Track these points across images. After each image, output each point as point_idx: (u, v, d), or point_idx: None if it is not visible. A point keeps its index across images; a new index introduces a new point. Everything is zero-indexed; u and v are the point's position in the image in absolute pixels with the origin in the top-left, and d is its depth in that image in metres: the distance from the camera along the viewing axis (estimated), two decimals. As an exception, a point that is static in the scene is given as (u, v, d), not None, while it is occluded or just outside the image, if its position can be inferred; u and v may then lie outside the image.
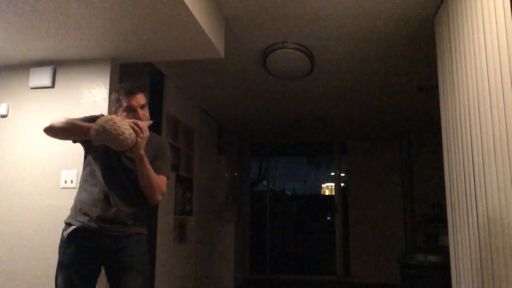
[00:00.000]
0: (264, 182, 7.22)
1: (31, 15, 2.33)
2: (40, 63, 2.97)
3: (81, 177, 1.99)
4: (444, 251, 3.13)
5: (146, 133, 1.85)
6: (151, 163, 1.92)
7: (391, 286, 5.74)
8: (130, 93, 1.94)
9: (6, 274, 2.72)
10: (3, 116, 2.97)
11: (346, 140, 6.66)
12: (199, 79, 3.95)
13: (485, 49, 1.81)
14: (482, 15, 1.85)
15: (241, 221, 6.28)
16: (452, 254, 2.34)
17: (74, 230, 1.86)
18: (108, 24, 2.45)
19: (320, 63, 3.51)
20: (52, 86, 2.95)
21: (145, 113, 1.97)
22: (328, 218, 7.03)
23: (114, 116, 1.82)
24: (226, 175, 5.45)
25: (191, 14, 2.28)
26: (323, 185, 7.53)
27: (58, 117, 1.90)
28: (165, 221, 3.56)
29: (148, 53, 2.90)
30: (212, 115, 5.15)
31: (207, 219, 4.90)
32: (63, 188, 2.73)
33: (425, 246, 5.02)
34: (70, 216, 1.92)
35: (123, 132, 1.73)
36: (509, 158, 1.59)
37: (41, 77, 2.94)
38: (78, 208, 1.90)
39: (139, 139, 1.81)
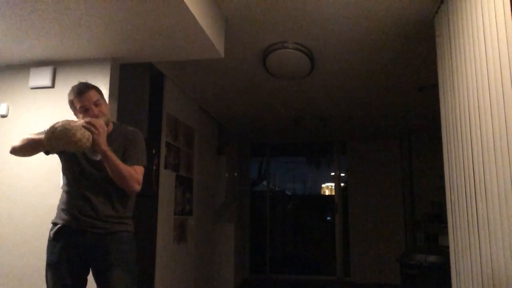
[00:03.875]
0: (264, 182, 7.22)
1: (31, 15, 2.33)
2: (40, 63, 2.97)
3: (62, 181, 2.02)
4: (444, 251, 3.14)
5: (102, 128, 1.83)
6: (123, 155, 1.91)
7: (391, 286, 5.74)
8: (80, 93, 1.93)
9: (6, 274, 2.72)
10: (3, 116, 2.97)
11: (346, 140, 6.66)
12: (199, 79, 3.94)
13: (485, 49, 1.81)
14: (482, 15, 1.85)
15: (241, 221, 6.28)
16: (452, 254, 2.34)
17: (59, 228, 1.90)
18: (108, 24, 2.45)
19: (320, 63, 3.51)
20: (52, 86, 2.95)
21: (101, 109, 1.95)
22: (328, 218, 7.03)
23: (64, 120, 1.78)
24: (226, 175, 5.45)
25: (191, 14, 2.28)
26: (323, 185, 7.53)
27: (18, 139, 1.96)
28: (165, 221, 3.56)
29: (148, 53, 2.90)
30: (212, 115, 5.15)
31: (207, 219, 4.90)
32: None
33: (425, 246, 5.02)
34: (56, 216, 1.95)
35: (74, 134, 1.71)
36: (509, 158, 1.59)
37: (41, 77, 2.94)
38: (62, 208, 1.93)
39: (95, 137, 1.79)
